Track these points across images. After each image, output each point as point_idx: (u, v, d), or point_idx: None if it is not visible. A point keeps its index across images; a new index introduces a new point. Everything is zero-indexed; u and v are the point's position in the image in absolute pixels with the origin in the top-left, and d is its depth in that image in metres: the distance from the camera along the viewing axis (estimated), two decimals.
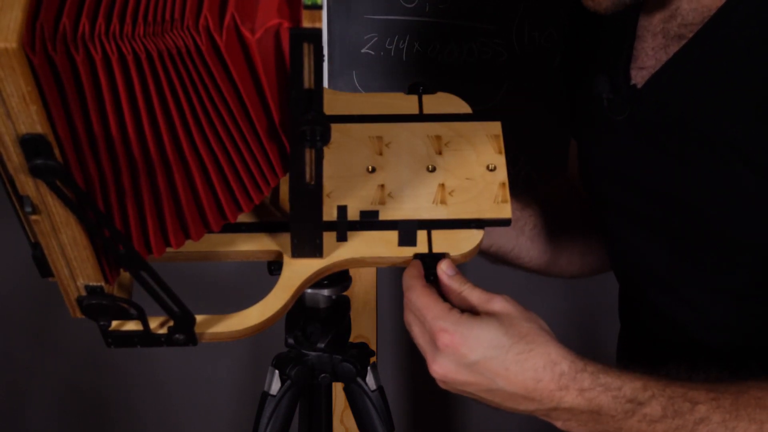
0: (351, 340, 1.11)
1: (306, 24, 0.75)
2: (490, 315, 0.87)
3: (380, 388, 1.13)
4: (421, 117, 1.01)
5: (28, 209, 0.77)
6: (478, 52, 1.56)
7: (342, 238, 0.93)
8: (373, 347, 1.57)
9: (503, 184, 0.96)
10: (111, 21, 0.74)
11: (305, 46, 0.75)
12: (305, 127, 0.79)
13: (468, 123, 1.00)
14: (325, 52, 1.52)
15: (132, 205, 0.82)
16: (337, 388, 1.19)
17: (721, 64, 0.96)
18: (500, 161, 0.97)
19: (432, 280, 0.92)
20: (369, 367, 1.12)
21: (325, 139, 0.80)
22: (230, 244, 0.93)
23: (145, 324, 0.88)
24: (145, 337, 0.89)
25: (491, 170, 0.97)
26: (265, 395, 1.11)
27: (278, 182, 0.88)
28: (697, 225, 1.01)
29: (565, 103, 1.23)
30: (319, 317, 1.07)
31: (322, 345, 1.08)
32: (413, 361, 2.01)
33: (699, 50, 0.98)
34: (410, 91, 1.03)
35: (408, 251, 0.93)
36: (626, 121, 1.04)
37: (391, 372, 2.00)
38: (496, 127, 1.00)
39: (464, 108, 1.01)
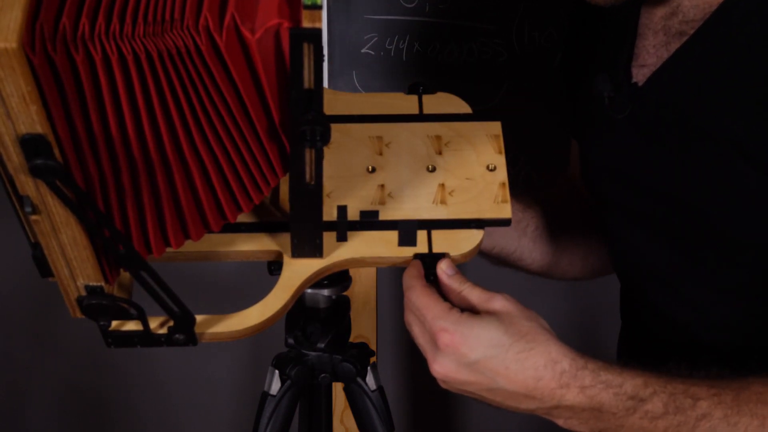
0: (351, 340, 1.11)
1: (306, 24, 0.75)
2: (490, 314, 0.87)
3: (380, 388, 1.13)
4: (421, 117, 1.01)
5: (28, 209, 0.77)
6: (478, 52, 1.56)
7: (342, 238, 0.93)
8: (373, 347, 1.57)
9: (503, 184, 0.96)
10: (111, 21, 0.74)
11: (305, 46, 0.75)
12: (305, 127, 0.79)
13: (468, 123, 1.00)
14: (325, 52, 1.52)
15: (132, 205, 0.82)
16: (337, 388, 1.19)
17: (723, 60, 0.96)
18: (500, 161, 0.97)
19: (432, 280, 0.92)
20: (369, 367, 1.12)
21: (325, 139, 0.80)
22: (230, 244, 0.93)
23: (145, 324, 0.88)
24: (145, 337, 0.89)
25: (491, 170, 0.97)
26: (265, 395, 1.11)
27: (278, 182, 0.88)
28: (698, 223, 1.01)
29: (565, 103, 1.23)
30: (319, 317, 1.07)
31: (322, 345, 1.08)
32: (413, 361, 2.01)
33: (700, 47, 0.98)
34: (410, 91, 1.03)
35: (408, 251, 0.93)
36: (627, 119, 1.04)
37: (391, 372, 2.00)
38: (496, 127, 1.00)
39: (464, 108, 1.01)
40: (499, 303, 0.88)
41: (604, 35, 1.11)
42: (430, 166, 0.97)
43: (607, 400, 0.87)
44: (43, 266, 0.83)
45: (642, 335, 1.17)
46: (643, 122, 1.03)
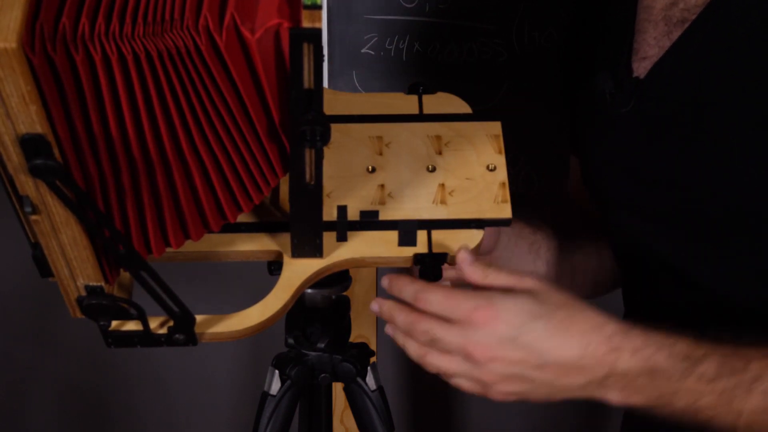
0: (351, 340, 1.11)
1: (306, 24, 0.75)
2: (523, 291, 0.84)
3: (380, 388, 1.13)
4: (421, 117, 1.01)
5: (28, 209, 0.77)
6: (478, 52, 1.56)
7: (342, 238, 0.93)
8: (373, 347, 1.56)
9: (503, 184, 0.96)
10: (111, 21, 0.74)
11: (305, 46, 0.75)
12: (305, 127, 0.79)
13: (468, 123, 1.00)
14: (325, 52, 1.52)
15: (132, 205, 0.82)
16: (337, 388, 1.19)
17: (725, 43, 0.95)
18: (500, 161, 0.97)
19: (432, 280, 0.92)
20: (369, 367, 1.12)
21: (325, 139, 0.80)
22: (230, 244, 0.93)
23: (145, 324, 0.88)
24: (145, 337, 0.89)
25: (491, 170, 0.97)
26: (265, 395, 1.11)
27: (278, 182, 0.88)
28: (714, 209, 0.99)
29: (565, 109, 1.22)
30: (319, 317, 1.07)
31: (322, 345, 1.08)
32: (413, 361, 2.01)
33: (703, 31, 0.97)
34: (410, 91, 1.03)
35: (408, 251, 0.93)
36: (631, 114, 1.04)
37: (391, 372, 2.00)
38: (496, 127, 1.00)
39: (464, 108, 1.01)
40: (530, 281, 0.85)
41: (604, 35, 1.11)
42: (430, 166, 0.97)
43: (662, 361, 0.83)
44: (43, 266, 0.83)
45: (647, 325, 1.16)
46: (648, 114, 1.02)
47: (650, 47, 1.04)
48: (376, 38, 1.54)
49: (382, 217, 0.94)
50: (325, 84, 1.52)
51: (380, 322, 1.65)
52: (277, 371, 1.11)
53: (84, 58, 0.73)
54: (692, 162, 0.99)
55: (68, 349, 1.99)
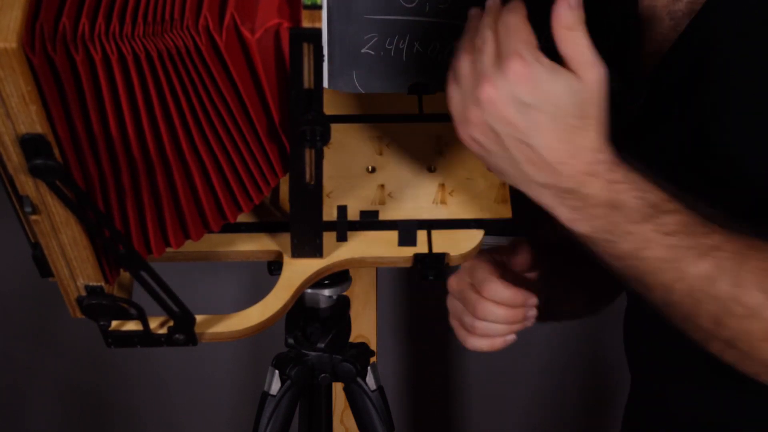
0: (351, 340, 1.11)
1: (306, 24, 0.75)
2: (575, 75, 0.82)
3: (380, 388, 1.13)
4: (421, 117, 1.01)
5: (28, 209, 0.77)
6: None
7: (342, 238, 0.93)
8: (373, 347, 1.56)
9: (503, 183, 0.96)
10: (111, 21, 0.74)
11: (305, 46, 0.75)
12: (305, 127, 0.79)
13: None
14: (325, 52, 1.52)
15: (132, 205, 0.82)
16: (337, 388, 1.19)
17: (734, 30, 0.95)
18: None
19: (431, 280, 0.92)
20: (369, 367, 1.12)
21: (325, 139, 0.80)
22: (230, 244, 0.93)
23: (145, 324, 0.88)
24: (145, 337, 0.89)
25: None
26: (265, 395, 1.11)
27: (278, 182, 0.88)
28: (724, 202, 0.98)
29: None
30: (319, 317, 1.07)
31: (322, 345, 1.08)
32: (413, 362, 2.01)
33: (710, 21, 0.97)
34: (410, 91, 1.03)
35: (408, 251, 0.93)
36: (642, 107, 1.03)
37: (391, 372, 2.00)
38: None
39: None
40: (592, 73, 0.82)
41: (606, 35, 1.11)
42: (430, 166, 0.97)
43: (629, 200, 0.82)
44: (43, 266, 0.83)
45: (650, 310, 1.15)
46: (661, 103, 1.02)
47: (657, 42, 1.03)
48: (376, 38, 1.54)
49: (382, 217, 0.94)
50: (325, 84, 1.52)
51: (380, 322, 1.66)
52: (277, 371, 1.11)
53: (84, 58, 0.73)
54: (707, 154, 0.98)
55: (68, 349, 1.99)
